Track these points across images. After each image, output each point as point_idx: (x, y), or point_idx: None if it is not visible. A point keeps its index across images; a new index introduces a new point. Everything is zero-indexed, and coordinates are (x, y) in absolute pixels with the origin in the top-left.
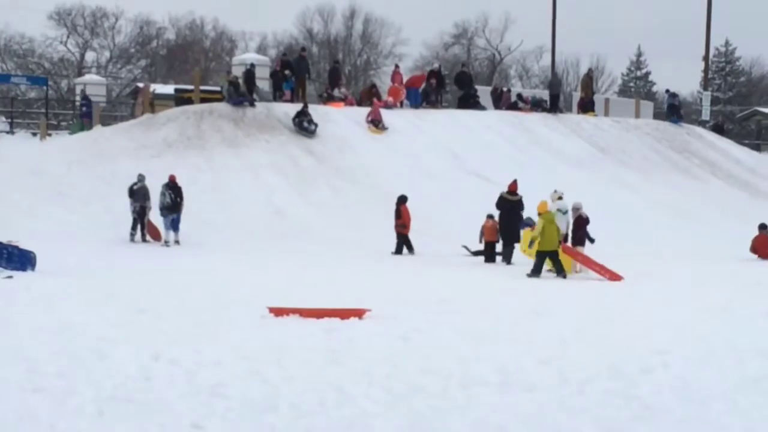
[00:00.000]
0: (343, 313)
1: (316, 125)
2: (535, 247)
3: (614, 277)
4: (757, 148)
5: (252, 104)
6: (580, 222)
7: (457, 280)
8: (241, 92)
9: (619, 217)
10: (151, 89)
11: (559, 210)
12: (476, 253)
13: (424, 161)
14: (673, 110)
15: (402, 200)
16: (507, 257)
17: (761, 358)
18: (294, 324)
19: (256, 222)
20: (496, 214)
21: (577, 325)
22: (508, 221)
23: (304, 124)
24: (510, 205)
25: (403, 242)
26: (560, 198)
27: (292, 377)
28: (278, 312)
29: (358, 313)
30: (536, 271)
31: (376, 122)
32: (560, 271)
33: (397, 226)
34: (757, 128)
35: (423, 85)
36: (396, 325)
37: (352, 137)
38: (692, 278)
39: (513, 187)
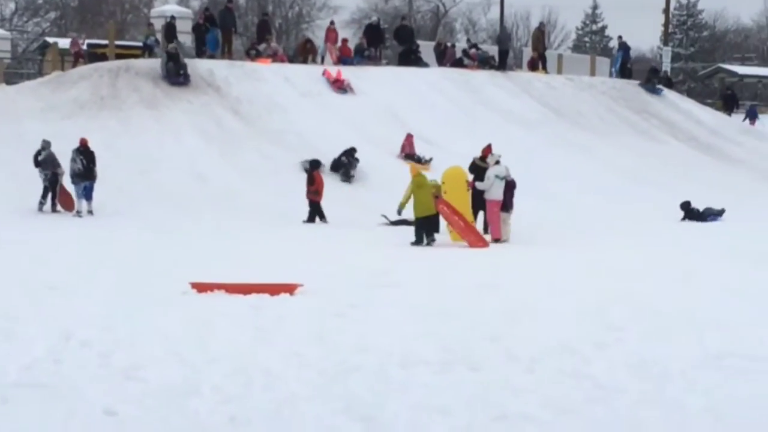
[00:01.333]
0: (273, 289)
1: (186, 75)
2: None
3: (477, 242)
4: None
5: (187, 82)
6: (507, 186)
7: (396, 252)
8: (182, 65)
9: (573, 181)
10: (82, 43)
11: (496, 176)
12: (396, 223)
13: (361, 123)
14: (624, 70)
15: (315, 165)
16: (486, 226)
17: (722, 332)
18: (219, 301)
19: (177, 190)
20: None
21: (527, 298)
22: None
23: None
24: (481, 171)
25: (316, 210)
26: (497, 162)
27: (216, 358)
28: (201, 288)
29: (289, 289)
30: (418, 240)
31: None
32: (429, 235)
33: (309, 193)
34: (720, 86)
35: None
36: (330, 301)
37: (283, 97)
38: (650, 248)
39: (486, 152)
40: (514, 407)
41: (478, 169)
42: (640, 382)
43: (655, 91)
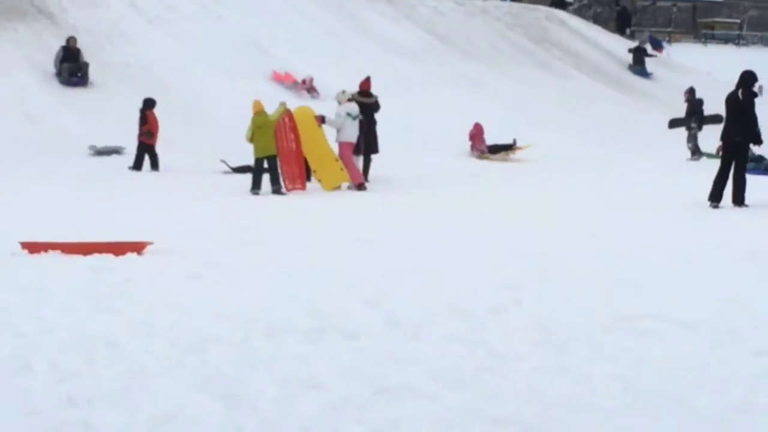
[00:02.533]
0: (117, 248)
1: None
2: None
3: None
4: (631, 35)
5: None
6: (362, 127)
7: (254, 204)
8: (80, 64)
9: (463, 120)
10: None
11: (348, 114)
12: (238, 170)
13: (220, 56)
14: None
15: (149, 104)
16: (365, 172)
17: (632, 292)
18: (54, 263)
19: (3, 134)
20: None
21: (411, 255)
22: (367, 127)
23: None
24: (364, 108)
25: (147, 154)
26: (350, 100)
27: (52, 329)
28: (33, 248)
29: (137, 248)
30: (255, 186)
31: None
32: (275, 182)
33: (141, 135)
34: (632, 9)
35: None
36: (184, 262)
37: (128, 26)
38: (549, 196)
39: (366, 86)
40: (396, 379)
41: (357, 104)
42: (540, 348)
43: (642, 73)
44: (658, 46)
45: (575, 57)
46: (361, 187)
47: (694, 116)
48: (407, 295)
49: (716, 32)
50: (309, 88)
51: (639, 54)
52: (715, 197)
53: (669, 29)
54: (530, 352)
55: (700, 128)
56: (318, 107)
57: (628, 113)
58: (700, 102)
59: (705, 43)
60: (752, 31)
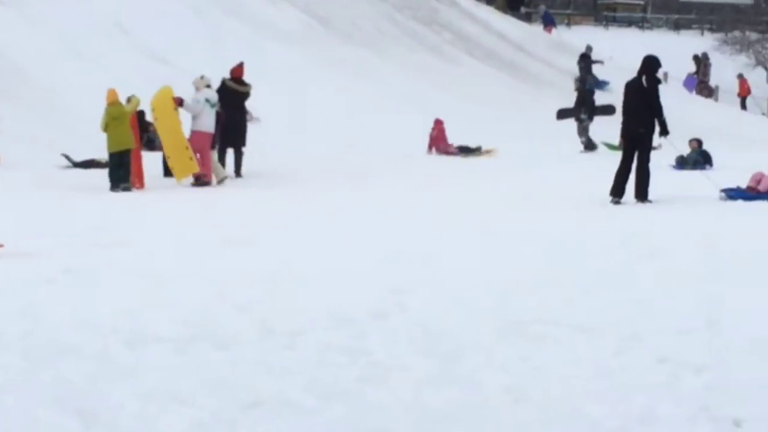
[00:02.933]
0: None
1: None
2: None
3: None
4: (526, 18)
5: None
6: (218, 118)
7: (112, 202)
8: None
9: (346, 109)
10: None
11: (207, 101)
12: (83, 165)
13: (76, 37)
14: None
15: None
16: (238, 168)
17: (527, 294)
18: None
19: None
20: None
21: (287, 257)
22: (235, 118)
23: None
24: (235, 96)
25: None
26: (209, 86)
27: None
28: None
29: None
30: (114, 185)
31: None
32: (123, 180)
33: None
34: None
35: None
36: (38, 264)
37: None
38: (444, 191)
39: (238, 73)
40: (270, 392)
41: (229, 92)
42: (426, 357)
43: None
44: (550, 22)
45: (467, 40)
46: (200, 181)
47: (584, 106)
48: (282, 301)
49: (618, 14)
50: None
51: (586, 63)
52: (617, 192)
53: (568, 11)
54: (416, 362)
55: (590, 119)
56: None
57: (523, 100)
58: (591, 91)
59: (606, 26)
60: (657, 13)
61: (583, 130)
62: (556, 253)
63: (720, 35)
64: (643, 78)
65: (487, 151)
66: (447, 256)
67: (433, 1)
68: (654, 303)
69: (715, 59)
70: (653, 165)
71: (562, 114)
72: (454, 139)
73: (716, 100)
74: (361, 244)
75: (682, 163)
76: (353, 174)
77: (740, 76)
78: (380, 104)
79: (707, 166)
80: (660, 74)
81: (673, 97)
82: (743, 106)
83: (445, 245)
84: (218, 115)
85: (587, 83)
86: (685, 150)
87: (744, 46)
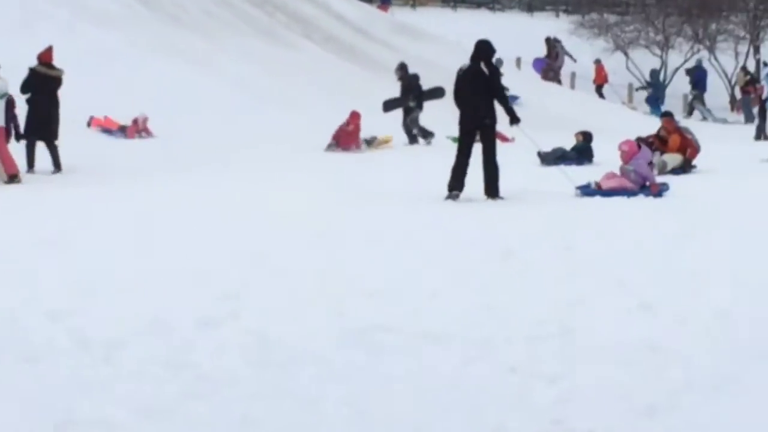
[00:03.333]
0: None
1: None
2: None
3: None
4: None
5: None
6: (8, 107)
7: None
8: None
9: (172, 98)
10: None
11: None
12: None
13: None
14: None
15: None
16: (55, 163)
17: (367, 299)
18: None
19: None
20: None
21: (109, 259)
22: (48, 107)
23: None
24: (48, 82)
25: None
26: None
27: None
28: None
29: None
30: None
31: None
32: None
33: None
34: None
35: None
36: None
37: None
38: (280, 185)
39: (47, 57)
40: (84, 410)
41: (41, 78)
42: (259, 369)
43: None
44: (386, 1)
45: (304, 23)
46: (14, 179)
47: (411, 94)
48: (99, 308)
49: None
50: (142, 129)
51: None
52: (456, 186)
53: None
54: (247, 374)
55: (420, 107)
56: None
57: (364, 88)
58: (416, 77)
59: (454, 6)
60: None
61: (413, 121)
62: (401, 254)
63: (576, 17)
64: (482, 64)
65: (384, 141)
66: (284, 257)
67: None
68: (505, 308)
69: (572, 43)
70: (513, 159)
71: (389, 105)
72: (293, 131)
73: (572, 87)
74: (190, 245)
75: (562, 157)
76: (186, 168)
77: (597, 62)
78: (212, 92)
79: (585, 162)
80: (513, 60)
81: (526, 84)
82: (600, 94)
83: (283, 246)
84: (9, 103)
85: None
86: (545, 142)
87: (602, 29)
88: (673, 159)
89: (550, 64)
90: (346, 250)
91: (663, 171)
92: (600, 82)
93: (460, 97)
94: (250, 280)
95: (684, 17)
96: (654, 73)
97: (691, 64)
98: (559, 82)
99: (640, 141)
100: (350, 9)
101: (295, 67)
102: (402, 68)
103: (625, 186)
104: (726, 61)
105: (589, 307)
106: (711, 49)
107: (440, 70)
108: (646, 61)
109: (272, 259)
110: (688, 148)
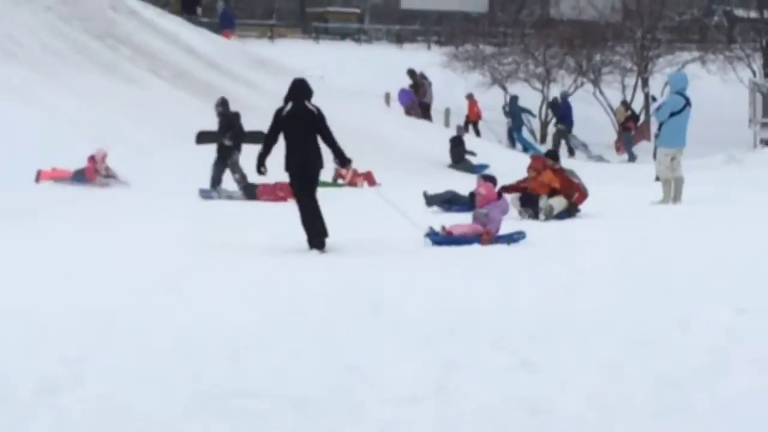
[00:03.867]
0: None
1: None
2: None
3: None
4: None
5: None
6: None
7: None
8: None
9: (3, 140)
10: None
11: None
12: None
13: None
14: None
15: None
16: None
17: (225, 360)
18: None
19: None
20: None
21: None
22: None
23: None
24: None
25: None
26: None
27: None
28: None
29: None
30: None
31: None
32: None
33: None
34: None
35: None
36: None
37: None
38: (134, 232)
39: None
40: None
41: None
42: None
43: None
44: (228, 25)
45: (151, 57)
46: None
47: (229, 132)
48: None
49: (330, 25)
50: (106, 173)
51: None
52: (317, 235)
53: (271, 21)
54: None
55: (238, 149)
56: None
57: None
58: (237, 116)
59: (317, 38)
60: (376, 23)
61: (234, 166)
62: (260, 309)
63: (449, 49)
64: (309, 104)
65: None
66: (130, 313)
67: (108, 10)
68: (377, 367)
69: (444, 77)
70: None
71: (203, 138)
72: (144, 173)
73: (446, 124)
74: (22, 299)
75: (451, 201)
76: (19, 215)
77: (470, 97)
78: (47, 134)
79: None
80: (381, 95)
81: (393, 123)
82: (476, 132)
83: (128, 300)
84: None
85: None
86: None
87: (477, 61)
88: (560, 203)
89: (414, 101)
90: (198, 304)
91: (549, 215)
92: (474, 119)
93: (288, 141)
94: (96, 338)
95: (566, 48)
96: (513, 101)
97: (576, 97)
98: (429, 118)
99: (508, 190)
100: (202, 42)
101: (141, 106)
102: (223, 104)
103: (478, 231)
104: (612, 95)
105: (466, 366)
106: (596, 82)
107: None
108: (526, 95)
109: (121, 314)
110: (576, 192)
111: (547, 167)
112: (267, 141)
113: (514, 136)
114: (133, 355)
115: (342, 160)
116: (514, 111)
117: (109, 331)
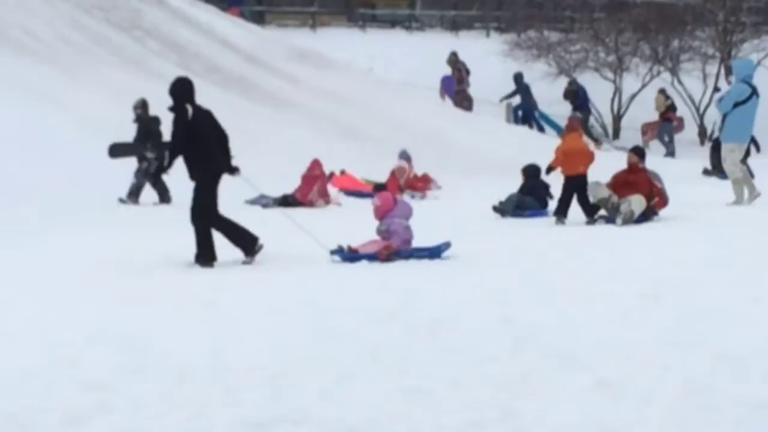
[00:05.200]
0: None
1: None
2: None
3: None
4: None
5: None
6: None
7: None
8: None
9: (24, 143)
10: None
11: None
12: None
13: None
14: None
15: None
16: None
17: (265, 383)
18: None
19: None
20: None
21: None
22: None
23: None
24: None
25: None
26: None
27: None
28: None
29: None
30: None
31: None
32: None
33: None
34: None
35: None
36: None
37: None
38: (153, 249)
39: None
40: None
41: None
42: None
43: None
44: (236, 1)
45: (181, 51)
46: None
47: (150, 141)
48: None
49: (378, 12)
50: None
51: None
52: (251, 241)
53: (313, 9)
54: None
55: (161, 160)
56: None
57: (259, 128)
58: (156, 120)
59: (363, 27)
60: (428, 9)
61: (152, 177)
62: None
63: (511, 36)
64: (190, 106)
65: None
66: (163, 334)
67: (133, 0)
68: (435, 391)
69: (506, 68)
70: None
71: (118, 150)
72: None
73: (508, 120)
74: (46, 323)
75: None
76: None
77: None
78: (67, 137)
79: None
80: (436, 89)
81: (450, 119)
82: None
83: (162, 321)
84: None
85: None
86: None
87: (542, 50)
88: (639, 204)
89: (462, 90)
90: (232, 326)
91: (629, 220)
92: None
93: (209, 142)
94: (123, 366)
95: (640, 33)
96: (519, 77)
97: (649, 88)
98: (471, 109)
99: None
100: (238, 33)
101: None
102: (142, 106)
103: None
104: (692, 84)
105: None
106: (674, 71)
107: (349, 103)
108: (596, 86)
109: (149, 340)
110: (657, 197)
111: (632, 165)
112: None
113: (528, 116)
114: (163, 380)
115: (231, 168)
116: (521, 89)
117: (138, 355)
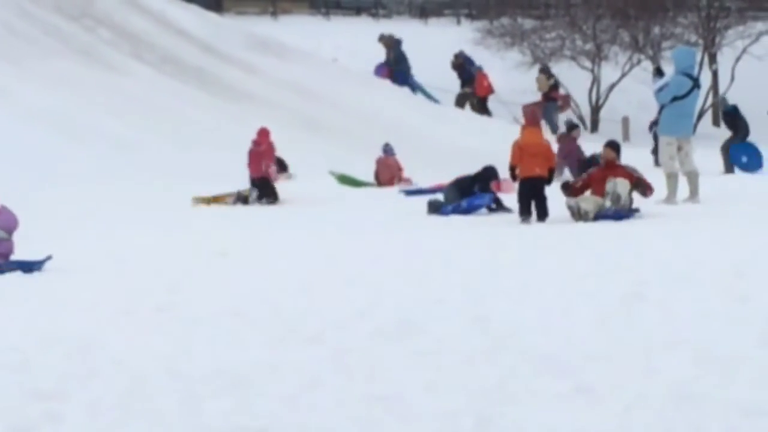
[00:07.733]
0: None
1: None
2: None
3: None
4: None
5: None
6: None
7: None
8: None
9: None
10: None
11: None
12: None
13: None
14: None
15: None
16: None
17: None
18: None
19: None
20: None
21: None
22: None
23: None
24: None
25: None
26: None
27: None
28: None
29: None
30: None
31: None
32: None
33: None
34: None
35: None
36: None
37: None
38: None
39: None
40: None
41: None
42: None
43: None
44: None
45: (134, 40)
46: None
47: None
48: None
49: None
50: None
51: None
52: None
53: None
54: None
55: None
56: None
57: (217, 121)
58: None
59: (327, 14)
60: None
61: None
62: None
63: (483, 24)
64: None
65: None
66: (115, 340)
67: None
68: (406, 397)
69: (477, 57)
70: None
71: None
72: (132, 178)
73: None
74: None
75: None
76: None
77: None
78: (12, 130)
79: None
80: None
81: (417, 111)
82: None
83: (112, 324)
84: None
85: None
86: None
87: (516, 37)
88: (624, 186)
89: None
90: (189, 329)
91: (616, 201)
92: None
93: None
94: (76, 371)
95: (619, 20)
96: (397, 44)
97: (629, 78)
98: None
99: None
100: (194, 21)
101: (122, 96)
102: None
103: None
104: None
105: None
106: (655, 59)
107: (312, 94)
108: (573, 76)
109: (101, 343)
110: (643, 187)
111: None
112: None
113: (408, 82)
114: (120, 386)
115: None
116: (399, 56)
117: (92, 359)
